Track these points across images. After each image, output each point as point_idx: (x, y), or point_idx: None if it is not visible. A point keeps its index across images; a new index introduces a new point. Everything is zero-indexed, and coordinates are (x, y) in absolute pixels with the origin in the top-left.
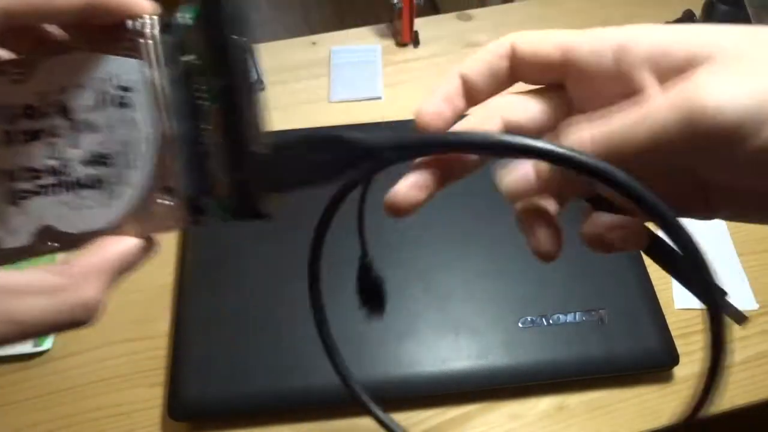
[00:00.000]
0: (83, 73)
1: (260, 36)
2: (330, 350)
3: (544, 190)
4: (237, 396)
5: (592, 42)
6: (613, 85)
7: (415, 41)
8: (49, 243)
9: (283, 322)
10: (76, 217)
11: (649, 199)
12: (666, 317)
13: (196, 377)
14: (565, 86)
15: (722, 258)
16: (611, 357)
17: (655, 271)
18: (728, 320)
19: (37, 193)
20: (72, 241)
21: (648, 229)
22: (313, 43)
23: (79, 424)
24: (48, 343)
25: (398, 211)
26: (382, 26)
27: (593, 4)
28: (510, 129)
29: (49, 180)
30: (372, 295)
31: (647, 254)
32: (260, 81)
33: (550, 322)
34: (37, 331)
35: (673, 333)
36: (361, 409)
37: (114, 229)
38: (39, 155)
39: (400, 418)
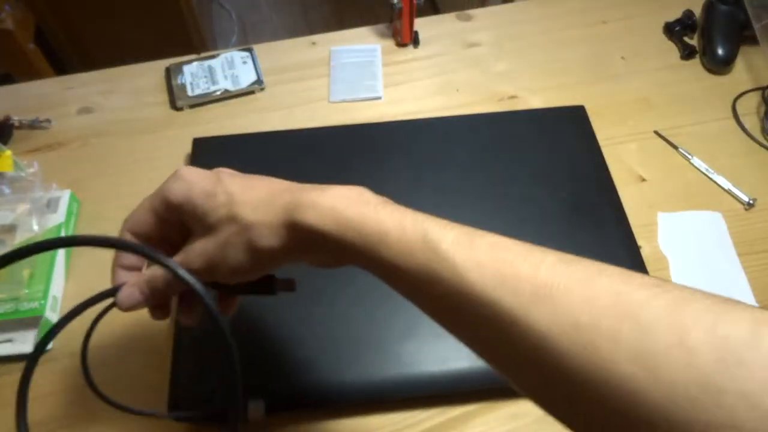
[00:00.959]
0: None
1: (260, 36)
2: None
3: (150, 299)
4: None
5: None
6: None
7: (415, 41)
8: None
9: (283, 322)
10: None
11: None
12: None
13: (196, 377)
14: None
15: (722, 258)
16: None
17: (655, 270)
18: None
19: None
20: None
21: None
22: (313, 43)
23: (79, 424)
24: (48, 343)
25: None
26: (382, 26)
27: (593, 4)
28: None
29: None
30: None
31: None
32: (260, 81)
33: None
34: None
35: None
36: (363, 409)
37: None
38: None
39: (400, 418)
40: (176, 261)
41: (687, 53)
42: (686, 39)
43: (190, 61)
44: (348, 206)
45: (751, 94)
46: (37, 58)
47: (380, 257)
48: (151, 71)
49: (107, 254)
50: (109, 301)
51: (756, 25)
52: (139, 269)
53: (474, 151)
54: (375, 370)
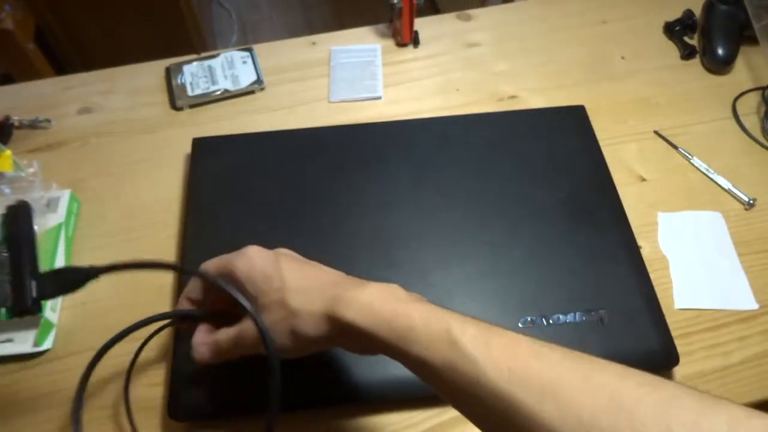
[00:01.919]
0: None
1: (260, 36)
2: None
3: (216, 358)
4: (237, 396)
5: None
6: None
7: (415, 41)
8: None
9: None
10: None
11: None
12: (666, 317)
13: (195, 377)
14: None
15: (722, 258)
16: (611, 357)
17: (655, 270)
18: None
19: None
20: None
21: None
22: (313, 43)
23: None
24: (48, 343)
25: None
26: (382, 26)
27: (593, 4)
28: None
29: None
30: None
31: None
32: (260, 81)
33: (550, 322)
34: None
35: (673, 333)
36: (363, 409)
37: None
38: None
39: (400, 418)
40: (231, 334)
41: (687, 53)
42: (686, 39)
43: (190, 61)
44: (383, 303)
45: (751, 94)
46: (37, 58)
47: (408, 350)
48: (151, 71)
49: (106, 257)
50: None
51: (756, 25)
52: (200, 303)
53: (474, 151)
54: (375, 370)
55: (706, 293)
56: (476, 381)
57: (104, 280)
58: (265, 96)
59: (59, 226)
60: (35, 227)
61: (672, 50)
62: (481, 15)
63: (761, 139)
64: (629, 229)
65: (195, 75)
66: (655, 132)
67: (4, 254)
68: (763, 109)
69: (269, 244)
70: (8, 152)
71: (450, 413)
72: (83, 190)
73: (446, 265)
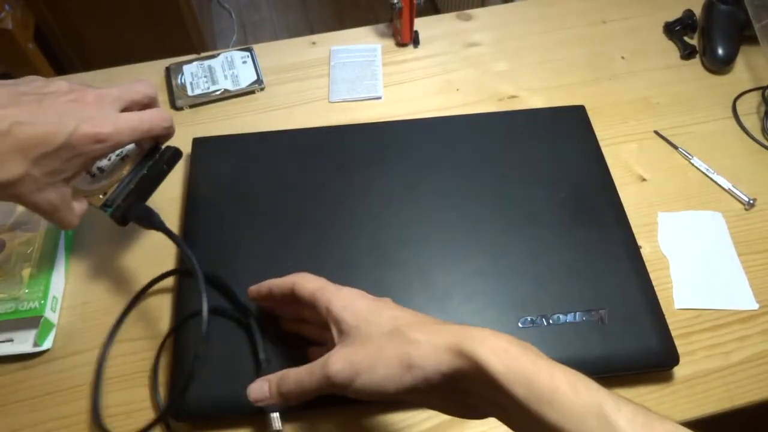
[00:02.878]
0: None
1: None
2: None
3: (277, 400)
4: (237, 396)
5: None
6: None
7: (415, 41)
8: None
9: (283, 321)
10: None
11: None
12: (666, 317)
13: (196, 377)
14: None
15: (722, 258)
16: (611, 357)
17: (655, 270)
18: None
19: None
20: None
21: None
22: (313, 43)
23: (79, 424)
24: (48, 343)
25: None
26: (382, 26)
27: (593, 4)
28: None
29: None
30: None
31: None
32: (260, 81)
33: (550, 322)
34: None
35: (673, 333)
36: (362, 409)
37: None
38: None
39: (401, 418)
40: (321, 362)
41: (687, 53)
42: (686, 39)
43: (190, 61)
44: (521, 353)
45: (751, 93)
46: (37, 57)
47: (543, 415)
48: (151, 71)
49: (106, 256)
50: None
51: (756, 25)
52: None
53: (474, 151)
54: None
55: (706, 293)
56: None
57: (102, 280)
58: (265, 96)
59: None
60: (169, 172)
61: (672, 50)
62: (481, 15)
63: (761, 139)
64: (629, 229)
65: (195, 75)
66: (655, 132)
67: (143, 172)
68: (763, 109)
69: (269, 244)
70: None
71: None
72: None
73: (446, 265)
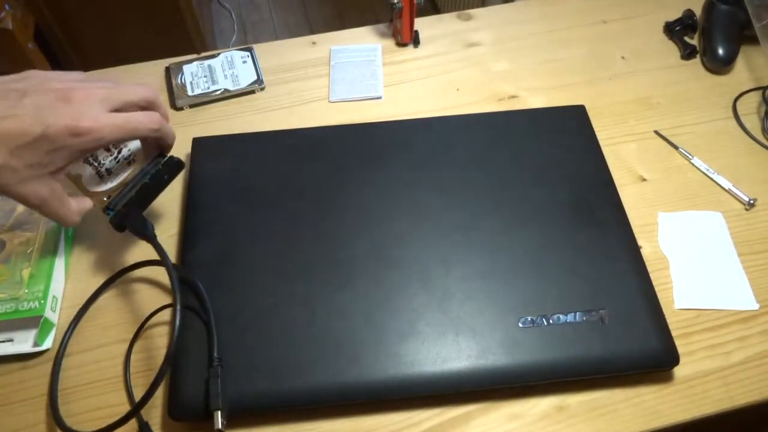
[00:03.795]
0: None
1: (260, 36)
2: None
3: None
4: (237, 396)
5: None
6: None
7: (415, 41)
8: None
9: (283, 322)
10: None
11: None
12: (666, 317)
13: (195, 377)
14: None
15: (722, 258)
16: (611, 357)
17: (655, 270)
18: None
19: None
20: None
21: None
22: (313, 43)
23: (79, 424)
24: (48, 342)
25: None
26: (382, 26)
27: (593, 3)
28: None
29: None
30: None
31: None
32: (260, 81)
33: (550, 322)
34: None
35: (673, 333)
36: (362, 409)
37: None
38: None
39: (400, 418)
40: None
41: (687, 53)
42: (686, 39)
43: (190, 61)
44: None
45: (751, 93)
46: (37, 57)
47: None
48: (151, 71)
49: (107, 256)
50: None
51: (756, 25)
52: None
53: (474, 151)
54: (375, 370)
55: (706, 293)
56: None
57: (103, 280)
58: (265, 96)
59: (59, 226)
60: (170, 182)
61: (672, 50)
62: (481, 15)
63: (761, 139)
64: (629, 229)
65: (195, 75)
66: (655, 132)
67: (146, 181)
68: (763, 109)
69: (269, 243)
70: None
71: (450, 413)
72: None
73: (446, 265)
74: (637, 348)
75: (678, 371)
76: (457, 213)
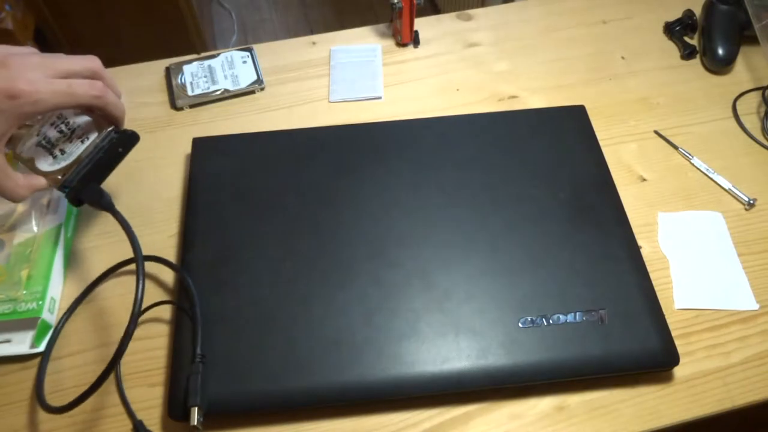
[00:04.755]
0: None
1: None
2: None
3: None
4: (237, 396)
5: None
6: None
7: (415, 41)
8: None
9: (283, 322)
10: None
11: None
12: (666, 317)
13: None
14: None
15: (722, 258)
16: (611, 357)
17: (655, 270)
18: None
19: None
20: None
21: None
22: (313, 43)
23: (79, 424)
24: (45, 344)
25: None
26: (382, 26)
27: (593, 3)
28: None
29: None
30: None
31: None
32: (260, 81)
33: (550, 322)
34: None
35: (673, 333)
36: (362, 409)
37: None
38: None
39: (400, 418)
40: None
41: (687, 53)
42: (686, 39)
43: (190, 61)
44: None
45: (751, 94)
46: None
47: None
48: (151, 71)
49: (105, 259)
50: None
51: (756, 25)
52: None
53: (474, 151)
54: (375, 370)
55: (706, 293)
56: None
57: (101, 282)
58: (265, 96)
59: (59, 227)
60: (125, 154)
61: (672, 50)
62: (481, 15)
63: (761, 139)
64: (629, 229)
65: (195, 75)
66: (655, 132)
67: (100, 155)
68: (763, 109)
69: (269, 243)
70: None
71: (450, 413)
72: None
73: (446, 265)
74: (637, 348)
75: (678, 371)
76: (457, 213)
